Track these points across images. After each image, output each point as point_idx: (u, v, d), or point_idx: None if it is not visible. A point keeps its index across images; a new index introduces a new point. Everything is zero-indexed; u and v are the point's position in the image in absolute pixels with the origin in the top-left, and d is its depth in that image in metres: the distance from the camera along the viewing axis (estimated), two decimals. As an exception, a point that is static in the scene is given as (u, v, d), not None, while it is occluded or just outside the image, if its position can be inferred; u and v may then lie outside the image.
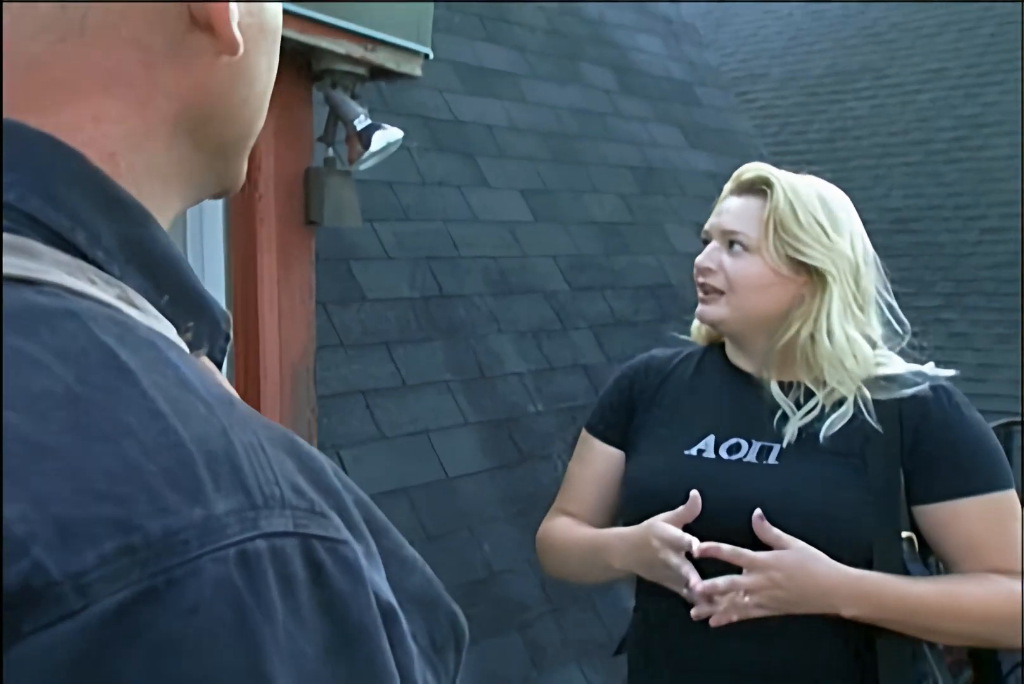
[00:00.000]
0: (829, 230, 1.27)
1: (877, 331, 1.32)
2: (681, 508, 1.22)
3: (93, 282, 0.39)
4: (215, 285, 2.04)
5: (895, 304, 1.34)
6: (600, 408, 1.44)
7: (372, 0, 2.02)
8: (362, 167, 2.08)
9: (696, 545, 1.17)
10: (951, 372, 1.32)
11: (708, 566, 1.19)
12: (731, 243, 1.29)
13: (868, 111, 7.50)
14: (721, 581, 1.17)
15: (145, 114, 0.44)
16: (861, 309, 1.30)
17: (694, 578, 1.17)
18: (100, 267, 0.40)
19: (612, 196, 4.03)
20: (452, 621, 0.43)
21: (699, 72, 5.03)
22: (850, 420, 1.26)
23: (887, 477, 1.23)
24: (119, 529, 0.30)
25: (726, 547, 1.18)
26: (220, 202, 2.05)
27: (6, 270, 0.35)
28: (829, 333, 1.26)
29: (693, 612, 1.19)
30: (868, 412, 1.25)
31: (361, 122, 2.03)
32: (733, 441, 1.30)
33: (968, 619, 1.20)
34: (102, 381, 0.34)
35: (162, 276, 0.43)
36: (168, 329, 0.43)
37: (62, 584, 0.29)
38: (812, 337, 1.27)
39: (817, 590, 1.18)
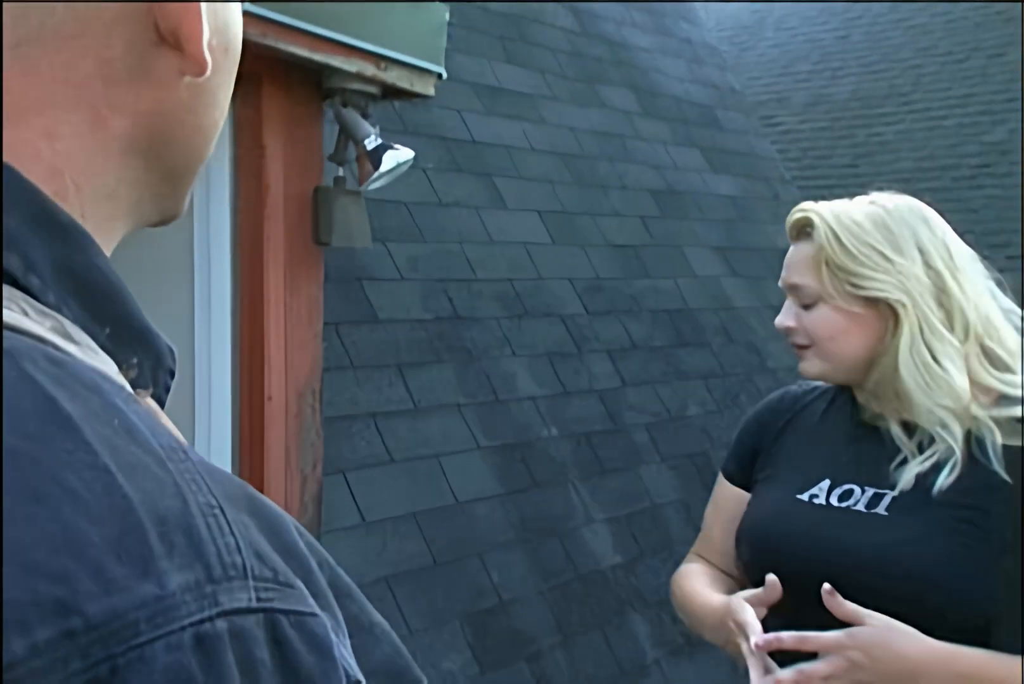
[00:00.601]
0: (889, 252, 1.18)
1: (1006, 352, 1.18)
2: (760, 591, 1.15)
3: (26, 313, 0.35)
4: (221, 306, 2.00)
5: (1017, 310, 1.22)
6: (731, 449, 1.41)
7: (386, 17, 1.99)
8: (372, 187, 2.05)
9: (754, 638, 1.08)
10: None
11: (808, 626, 1.09)
12: (802, 295, 1.24)
13: (893, 136, 7.45)
14: (786, 674, 1.07)
15: (99, 133, 0.40)
16: (954, 330, 1.17)
17: (754, 675, 1.08)
18: (34, 296, 0.36)
19: (631, 218, 3.99)
20: None
21: (721, 95, 5.00)
22: (976, 469, 1.13)
23: (1014, 535, 1.09)
24: (56, 611, 0.26)
25: (787, 635, 1.08)
26: (228, 220, 2.02)
27: None
28: (900, 370, 1.16)
29: None
30: (995, 458, 1.12)
31: (372, 142, 2.00)
32: (847, 487, 1.21)
33: None
34: (38, 432, 0.29)
35: (102, 306, 0.39)
36: (109, 365, 0.39)
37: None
38: (895, 375, 1.17)
39: (904, 670, 1.05)
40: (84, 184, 0.40)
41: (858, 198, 1.25)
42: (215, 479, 0.32)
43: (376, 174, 2.00)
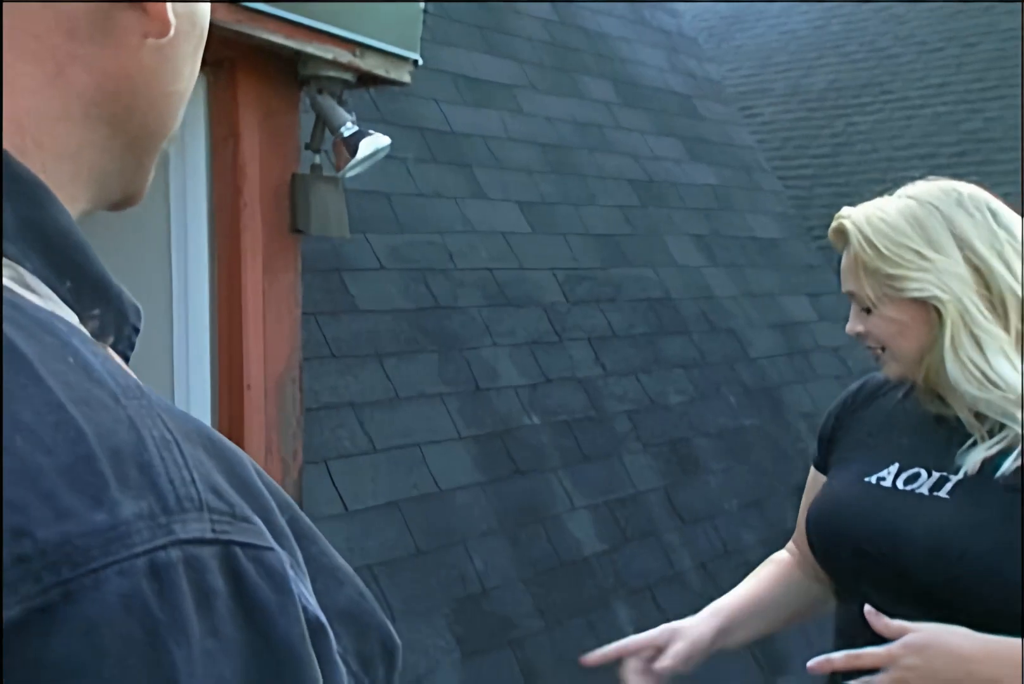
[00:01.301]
0: (924, 249, 1.18)
1: None
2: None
3: None
4: (198, 295, 2.00)
5: None
6: (817, 439, 1.42)
7: (361, 4, 1.99)
8: (349, 174, 2.04)
9: (809, 663, 1.10)
10: None
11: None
12: (858, 302, 1.26)
13: (872, 126, 7.48)
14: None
15: (61, 88, 0.40)
16: (1004, 316, 1.17)
17: None
18: None
19: (611, 208, 4.00)
20: (384, 637, 0.39)
21: (700, 85, 5.01)
22: None
23: None
24: (10, 537, 0.27)
25: (838, 656, 1.09)
26: (204, 208, 2.01)
27: None
28: (947, 366, 1.17)
29: None
30: None
31: (348, 129, 2.00)
32: (914, 470, 1.22)
33: None
34: None
35: (64, 261, 0.39)
36: (70, 316, 0.39)
37: None
38: (943, 368, 1.18)
39: (963, 665, 1.06)
40: (46, 142, 0.40)
41: (897, 192, 1.24)
42: (173, 417, 0.32)
43: (353, 161, 2.00)
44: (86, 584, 0.27)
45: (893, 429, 1.29)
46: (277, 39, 1.89)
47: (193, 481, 0.30)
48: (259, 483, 0.33)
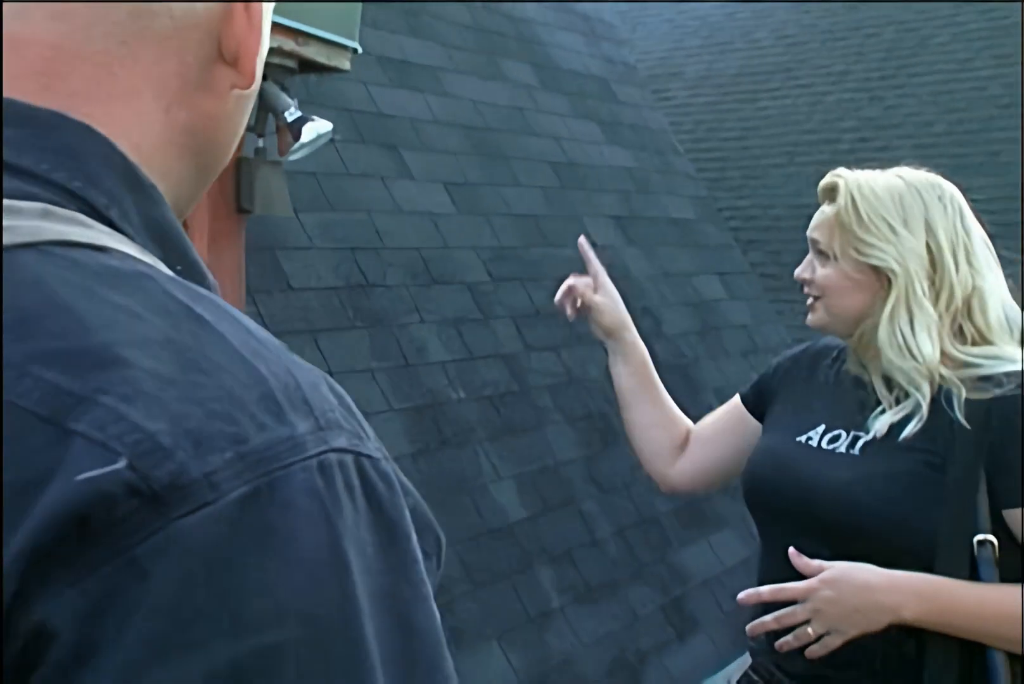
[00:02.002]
0: (897, 225, 1.31)
1: (985, 325, 1.32)
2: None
3: (127, 246, 0.47)
4: (146, 271, 2.08)
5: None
6: (757, 379, 1.57)
7: (303, -5, 2.07)
8: (292, 158, 2.14)
9: (739, 595, 1.29)
10: None
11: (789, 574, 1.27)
12: (819, 252, 1.37)
13: (779, 111, 7.74)
14: (769, 618, 1.27)
15: (168, 122, 0.51)
16: (938, 303, 1.31)
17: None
18: (130, 238, 0.48)
19: (533, 189, 4.13)
20: (436, 537, 0.52)
21: (616, 69, 5.16)
22: (941, 419, 1.28)
23: (965, 477, 1.25)
24: (234, 441, 0.39)
25: (765, 589, 1.27)
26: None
27: (73, 237, 0.43)
28: (879, 331, 1.31)
29: (777, 644, 1.28)
30: (958, 410, 1.27)
31: (291, 114, 2.08)
32: (836, 432, 1.37)
33: None
34: (188, 329, 0.41)
35: (173, 249, 0.50)
36: None
37: (200, 481, 0.38)
38: (873, 335, 1.33)
39: (869, 594, 1.23)
40: (152, 162, 0.51)
41: (889, 170, 1.38)
42: (307, 365, 0.45)
43: (296, 145, 2.09)
44: (281, 476, 0.39)
45: (822, 393, 1.45)
46: (223, 27, 1.96)
47: (333, 409, 0.42)
48: (360, 414, 0.46)
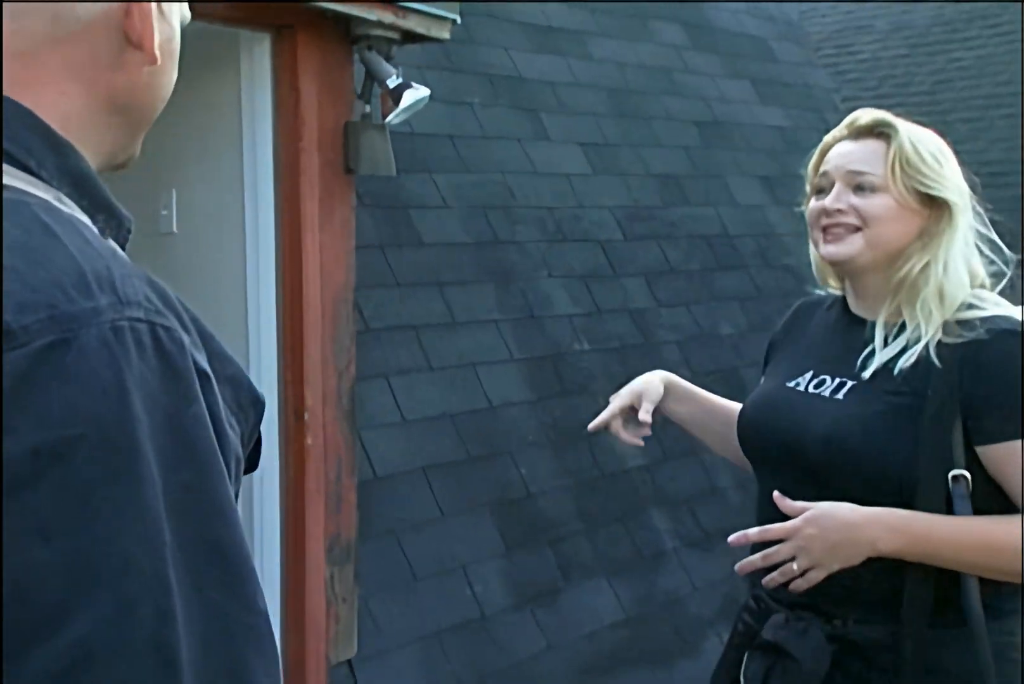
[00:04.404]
0: (947, 167, 1.40)
1: (981, 268, 1.42)
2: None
3: (36, 187, 0.68)
4: (266, 227, 2.35)
5: (996, 239, 1.44)
6: (764, 355, 1.70)
7: (402, -28, 2.26)
8: (394, 121, 2.35)
9: (730, 538, 1.40)
10: None
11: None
12: (858, 184, 1.41)
13: (974, 61, 7.35)
14: (758, 557, 1.35)
15: (90, 98, 0.71)
16: (974, 244, 1.41)
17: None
18: (46, 182, 0.68)
19: (674, 149, 4.19)
20: (253, 393, 0.70)
21: (777, 28, 5.10)
22: (921, 361, 1.35)
23: (940, 416, 1.32)
24: (48, 307, 0.57)
25: (752, 531, 1.36)
26: (270, 153, 2.35)
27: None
28: (946, 263, 1.37)
29: (764, 580, 1.37)
30: (934, 353, 1.34)
31: (393, 81, 2.29)
32: (822, 377, 1.45)
33: (1005, 555, 1.28)
34: (40, 237, 0.61)
35: (84, 189, 0.70)
36: (86, 219, 0.71)
37: (19, 331, 0.55)
38: (927, 267, 1.38)
39: (848, 530, 1.32)
40: (78, 129, 0.70)
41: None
42: (133, 267, 0.63)
43: (398, 110, 2.31)
44: (84, 332, 0.55)
45: (812, 342, 1.54)
46: (330, 5, 2.19)
47: (136, 293, 0.60)
48: (178, 305, 0.64)
